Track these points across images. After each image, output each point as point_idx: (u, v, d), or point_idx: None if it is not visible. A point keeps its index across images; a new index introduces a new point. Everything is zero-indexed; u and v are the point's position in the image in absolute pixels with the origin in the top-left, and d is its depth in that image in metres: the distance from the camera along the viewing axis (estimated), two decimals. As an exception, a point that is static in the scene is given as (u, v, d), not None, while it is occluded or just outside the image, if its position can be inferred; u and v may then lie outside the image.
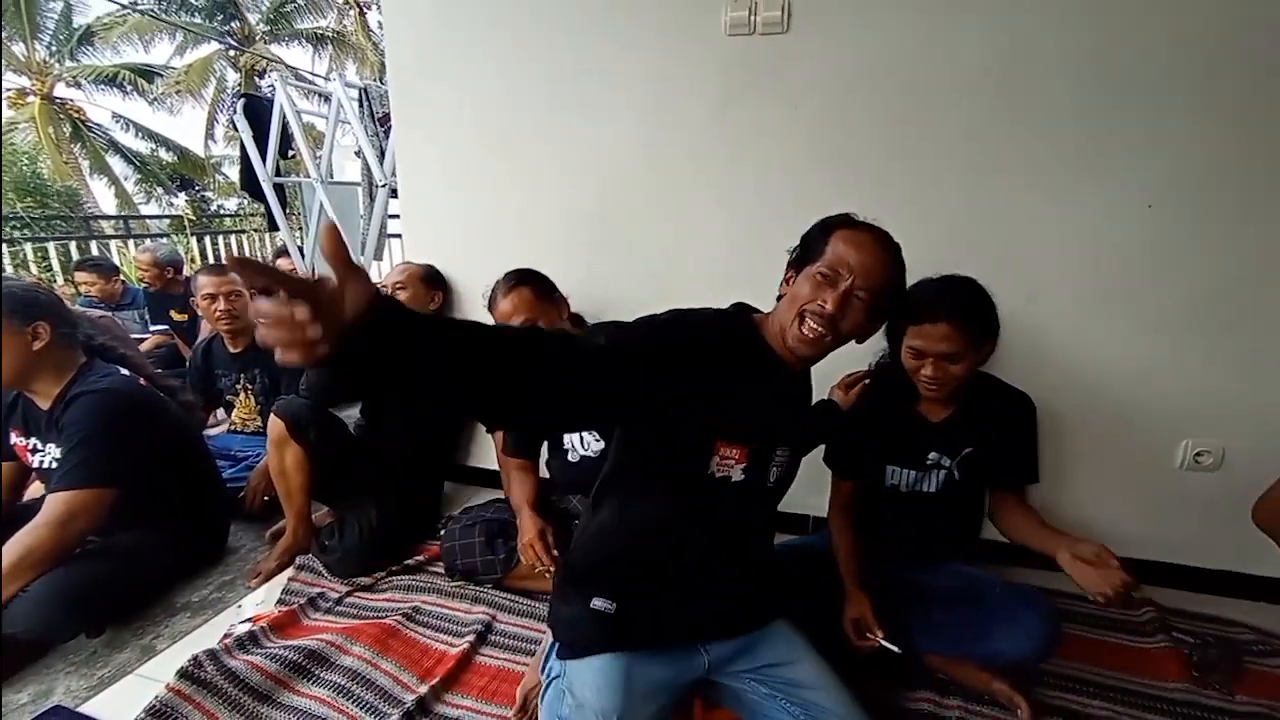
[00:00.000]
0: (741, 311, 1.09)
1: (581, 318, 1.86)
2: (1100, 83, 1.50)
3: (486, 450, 2.21)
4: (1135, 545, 1.74)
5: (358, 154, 2.84)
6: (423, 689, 1.32)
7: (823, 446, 1.50)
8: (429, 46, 2.04)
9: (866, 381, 1.49)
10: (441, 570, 1.75)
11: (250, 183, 3.35)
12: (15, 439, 1.60)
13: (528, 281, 1.64)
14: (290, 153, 3.26)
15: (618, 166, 1.91)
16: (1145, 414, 1.64)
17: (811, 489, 1.40)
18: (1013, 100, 1.56)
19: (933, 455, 1.38)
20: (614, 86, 1.86)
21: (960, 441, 1.36)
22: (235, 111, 3.19)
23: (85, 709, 1.29)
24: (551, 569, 1.57)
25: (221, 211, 8.46)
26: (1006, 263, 1.63)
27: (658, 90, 1.82)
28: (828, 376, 1.50)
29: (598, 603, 1.04)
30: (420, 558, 1.84)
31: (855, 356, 1.33)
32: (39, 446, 1.57)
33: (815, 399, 1.32)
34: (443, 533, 1.80)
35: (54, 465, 1.51)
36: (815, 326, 0.96)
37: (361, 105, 2.87)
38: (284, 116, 2.99)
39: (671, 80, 1.80)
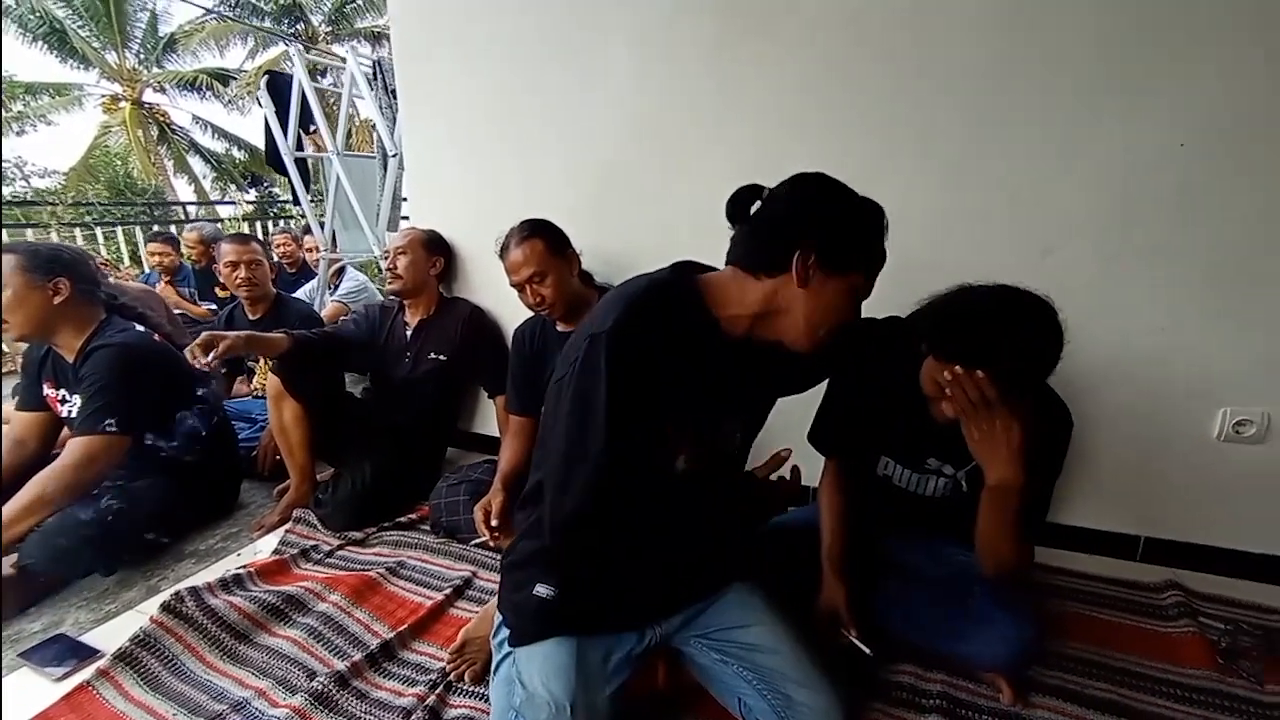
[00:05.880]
0: (682, 276, 0.97)
1: (591, 276, 1.83)
2: (1133, 6, 1.35)
3: (489, 417, 2.22)
4: (1167, 525, 1.59)
5: (372, 127, 2.93)
6: (390, 635, 1.34)
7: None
8: (430, 14, 2.06)
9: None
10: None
11: (274, 158, 3.50)
12: (47, 390, 1.71)
13: (540, 234, 1.63)
14: (312, 127, 3.38)
15: (616, 122, 1.87)
16: (1177, 379, 1.48)
17: (816, 458, 1.31)
18: (1027, 34, 1.43)
19: (932, 461, 1.21)
20: (608, 40, 1.82)
21: (969, 453, 1.09)
22: (260, 89, 3.34)
23: (85, 638, 1.37)
24: (492, 543, 1.59)
25: (287, 204, 8.99)
26: (1019, 214, 1.50)
27: (652, 40, 1.77)
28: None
29: (540, 589, 1.00)
30: (413, 516, 1.87)
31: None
32: (66, 397, 1.68)
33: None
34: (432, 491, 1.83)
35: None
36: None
37: (375, 78, 2.94)
38: (303, 92, 3.10)
39: (666, 28, 1.75)
